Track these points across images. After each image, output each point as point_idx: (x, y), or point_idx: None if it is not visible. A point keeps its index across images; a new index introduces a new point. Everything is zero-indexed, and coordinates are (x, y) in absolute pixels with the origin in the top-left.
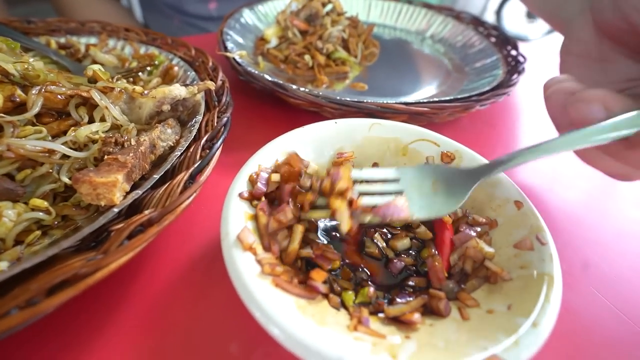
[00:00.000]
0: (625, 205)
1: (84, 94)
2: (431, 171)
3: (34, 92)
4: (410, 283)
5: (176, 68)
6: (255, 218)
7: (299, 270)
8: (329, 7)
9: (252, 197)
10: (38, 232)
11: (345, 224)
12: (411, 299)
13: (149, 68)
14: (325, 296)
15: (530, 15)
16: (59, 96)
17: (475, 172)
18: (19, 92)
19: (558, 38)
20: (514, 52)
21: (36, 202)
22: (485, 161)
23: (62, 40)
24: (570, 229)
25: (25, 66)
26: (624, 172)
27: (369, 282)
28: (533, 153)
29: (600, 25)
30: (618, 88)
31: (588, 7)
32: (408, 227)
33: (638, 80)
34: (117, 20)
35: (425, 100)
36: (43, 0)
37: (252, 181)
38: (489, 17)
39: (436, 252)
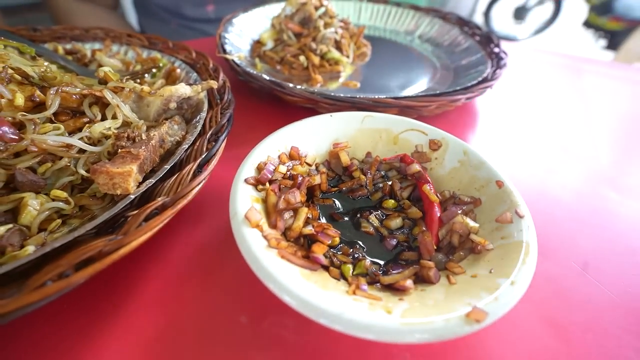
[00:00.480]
0: (600, 187)
1: (97, 94)
2: None
3: (52, 92)
4: (403, 257)
5: (178, 70)
6: (264, 198)
7: (301, 247)
8: (321, 10)
9: (257, 182)
10: (59, 221)
11: None
12: (404, 269)
13: (154, 70)
14: (326, 268)
15: (517, 16)
16: (74, 96)
17: None
18: (38, 92)
19: (542, 38)
20: (496, 50)
21: (56, 192)
22: (469, 146)
23: (68, 46)
24: (550, 209)
25: (43, 69)
26: None
27: (366, 256)
28: None
29: None
30: None
31: None
32: (400, 208)
33: None
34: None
35: (414, 95)
36: (40, 11)
37: (260, 168)
38: (478, 19)
39: (426, 229)
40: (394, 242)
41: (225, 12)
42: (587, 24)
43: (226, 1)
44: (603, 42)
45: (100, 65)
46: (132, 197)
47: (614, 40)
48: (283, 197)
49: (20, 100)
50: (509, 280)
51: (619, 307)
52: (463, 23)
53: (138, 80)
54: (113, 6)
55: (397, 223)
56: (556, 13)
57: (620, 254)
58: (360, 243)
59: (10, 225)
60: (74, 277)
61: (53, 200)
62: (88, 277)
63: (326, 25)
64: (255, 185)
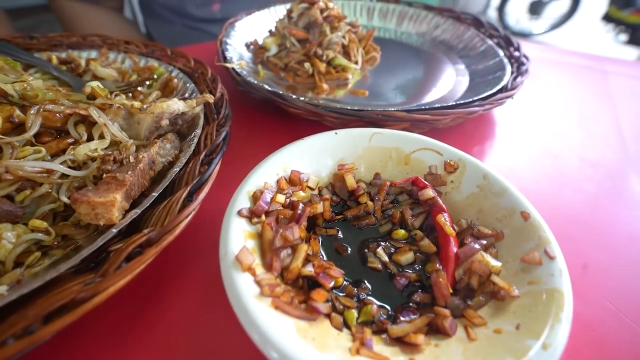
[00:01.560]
0: (637, 210)
1: (83, 112)
2: None
3: (32, 111)
4: (415, 299)
5: (175, 80)
6: (259, 234)
7: (300, 290)
8: (327, 12)
9: (252, 215)
10: (38, 254)
11: None
12: (415, 316)
13: (148, 82)
14: (327, 316)
15: (532, 11)
16: (57, 115)
17: None
18: (17, 112)
19: (560, 33)
20: (516, 54)
21: (35, 222)
22: (490, 170)
23: (63, 55)
24: (579, 236)
25: (24, 86)
26: None
27: (372, 299)
28: None
29: None
30: None
31: None
32: (412, 240)
33: None
34: (120, 30)
35: (426, 107)
36: (48, 12)
37: (256, 197)
38: (492, 14)
39: (441, 267)
40: (404, 281)
41: (232, 11)
42: (607, 17)
43: (232, 0)
44: (624, 36)
45: (95, 76)
46: (115, 230)
47: (636, 35)
48: (280, 233)
49: None
50: (539, 342)
51: None
52: (479, 24)
53: (131, 93)
54: (118, 8)
55: (408, 258)
56: (574, 7)
57: None
58: (367, 282)
59: None
60: (40, 333)
61: (32, 231)
62: (56, 332)
63: (333, 29)
64: (249, 218)
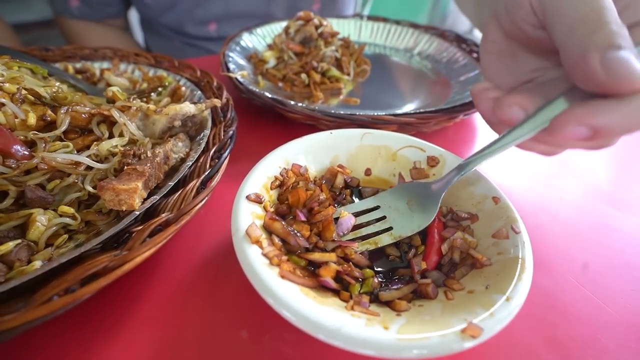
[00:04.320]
0: (598, 202)
1: (105, 113)
2: (404, 191)
3: (62, 111)
4: (398, 274)
5: (183, 88)
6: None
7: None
8: (321, 28)
9: (259, 200)
10: (65, 236)
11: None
12: (402, 285)
13: (160, 89)
14: (335, 292)
15: None
16: (83, 115)
17: (441, 184)
18: (49, 112)
19: None
20: None
21: (64, 208)
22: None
23: (78, 65)
24: (547, 223)
25: (55, 89)
26: (549, 151)
27: (374, 271)
28: (484, 156)
29: (504, 30)
30: (527, 78)
31: (494, 14)
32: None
33: (540, 70)
34: (125, 46)
35: (412, 112)
36: (52, 27)
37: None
38: (478, 34)
39: (423, 246)
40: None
41: (228, 31)
42: None
43: (228, 21)
44: None
45: (108, 84)
46: (137, 213)
47: None
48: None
49: (32, 119)
50: (504, 296)
51: (618, 323)
52: (461, 40)
53: (144, 99)
54: (123, 27)
55: (396, 252)
56: None
57: (618, 269)
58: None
59: (19, 241)
60: (79, 292)
61: (60, 216)
62: (93, 292)
63: (327, 44)
64: (257, 202)
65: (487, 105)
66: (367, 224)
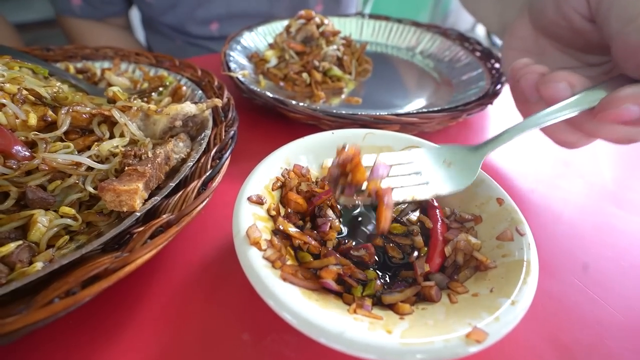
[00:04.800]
0: (602, 202)
1: (106, 113)
2: (441, 151)
3: (63, 112)
4: (402, 276)
5: (184, 88)
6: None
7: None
8: (323, 27)
9: (260, 202)
10: (66, 237)
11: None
12: (406, 288)
13: (161, 88)
14: (338, 294)
15: None
16: (84, 115)
17: (480, 148)
18: (50, 112)
19: None
20: (497, 65)
21: (65, 209)
22: None
23: (79, 65)
24: (551, 225)
25: (55, 89)
26: (574, 140)
27: (377, 273)
28: (519, 129)
29: (538, 24)
30: None
31: (526, 10)
32: (408, 233)
33: (567, 70)
34: (126, 45)
35: (415, 111)
36: (53, 27)
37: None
38: (480, 31)
39: (426, 249)
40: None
41: (229, 30)
42: None
43: (230, 20)
44: None
45: (109, 84)
46: (138, 214)
47: None
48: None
49: (33, 120)
50: (509, 300)
51: (624, 325)
52: (464, 39)
53: (145, 99)
54: (125, 26)
55: (399, 253)
56: None
57: (624, 271)
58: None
59: (20, 242)
60: (80, 295)
61: (61, 217)
62: (94, 294)
63: (328, 43)
64: (258, 204)
65: (530, 79)
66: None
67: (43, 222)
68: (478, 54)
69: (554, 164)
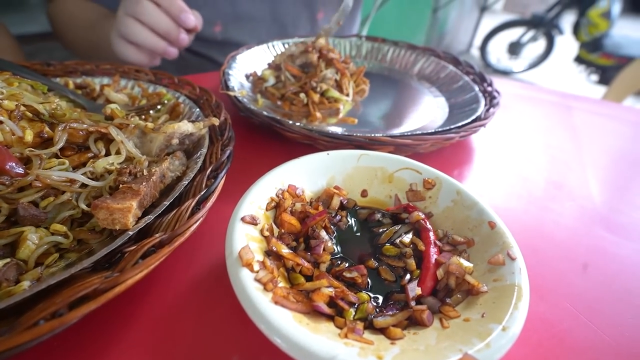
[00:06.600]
0: (593, 226)
1: (103, 130)
2: None
3: (60, 128)
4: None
5: (182, 105)
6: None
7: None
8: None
9: (254, 222)
10: (56, 255)
11: None
12: (397, 311)
13: (159, 107)
14: (329, 317)
15: (512, 52)
16: (80, 132)
17: None
18: (47, 129)
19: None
20: (489, 88)
21: (56, 226)
22: (462, 186)
23: (79, 80)
24: (543, 247)
25: (53, 106)
26: None
27: (369, 295)
28: None
29: None
30: None
31: None
32: (401, 256)
33: None
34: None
35: (409, 133)
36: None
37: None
38: (475, 53)
39: (418, 271)
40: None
41: (233, 35)
42: (579, 59)
43: (234, 23)
44: (595, 76)
45: (107, 100)
46: (131, 232)
47: (606, 75)
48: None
49: (29, 137)
50: (500, 326)
51: (616, 351)
52: (457, 62)
53: (143, 116)
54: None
55: (391, 276)
56: (549, 49)
57: (616, 295)
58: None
59: (8, 260)
60: (67, 317)
61: (52, 234)
62: (81, 316)
63: (327, 65)
64: (251, 224)
65: None
66: None
67: (33, 239)
68: (471, 76)
69: (546, 187)
